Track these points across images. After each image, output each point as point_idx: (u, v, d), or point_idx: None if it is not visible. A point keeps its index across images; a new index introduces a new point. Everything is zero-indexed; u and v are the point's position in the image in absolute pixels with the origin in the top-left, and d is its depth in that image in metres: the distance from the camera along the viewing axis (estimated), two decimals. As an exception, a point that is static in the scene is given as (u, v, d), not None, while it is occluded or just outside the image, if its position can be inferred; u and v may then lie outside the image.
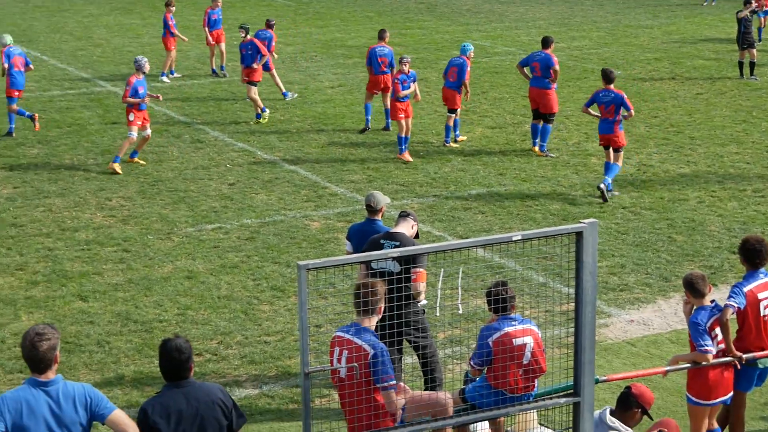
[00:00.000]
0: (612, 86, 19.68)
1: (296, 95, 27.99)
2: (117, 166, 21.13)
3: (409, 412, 9.12)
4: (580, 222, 8.07)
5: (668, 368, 10.68)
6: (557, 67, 22.57)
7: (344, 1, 48.24)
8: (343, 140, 23.90)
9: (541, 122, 22.67)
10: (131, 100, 21.10)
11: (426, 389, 11.58)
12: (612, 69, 20.28)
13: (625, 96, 19.67)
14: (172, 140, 23.69)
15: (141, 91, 21.27)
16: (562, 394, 8.79)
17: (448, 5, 46.82)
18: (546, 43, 23.00)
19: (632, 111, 19.83)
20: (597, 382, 9.18)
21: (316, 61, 33.60)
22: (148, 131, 21.76)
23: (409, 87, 22.35)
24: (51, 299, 15.14)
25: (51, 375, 7.60)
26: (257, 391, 12.61)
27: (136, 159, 21.81)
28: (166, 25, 30.18)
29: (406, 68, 22.28)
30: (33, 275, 15.99)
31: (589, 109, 20.07)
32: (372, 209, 12.57)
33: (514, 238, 7.85)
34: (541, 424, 11.05)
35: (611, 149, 19.78)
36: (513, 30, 39.99)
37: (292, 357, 13.43)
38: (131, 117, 21.25)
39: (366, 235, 12.24)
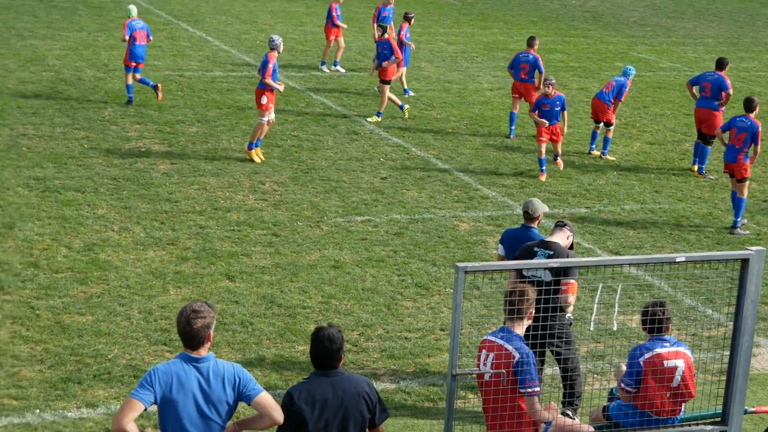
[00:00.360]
0: (752, 115, 18.98)
1: (411, 93, 27.90)
2: (254, 153, 21.06)
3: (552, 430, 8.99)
4: (747, 248, 7.85)
5: (819, 407, 10.33)
6: (731, 91, 22.03)
7: (509, 4, 48.01)
8: (498, 144, 23.76)
9: (702, 143, 22.19)
10: (271, 82, 20.88)
11: (564, 403, 11.44)
12: (755, 97, 19.49)
13: (760, 128, 18.86)
14: (329, 130, 23.86)
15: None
16: (708, 421, 8.57)
17: (615, 16, 46.23)
18: (721, 64, 22.44)
19: (759, 148, 19.03)
20: (746, 412, 8.90)
21: (477, 62, 33.47)
22: (272, 115, 21.46)
23: (551, 113, 20.99)
24: (199, 276, 15.38)
25: (203, 352, 7.68)
26: (394, 385, 12.60)
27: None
28: (329, 15, 30.32)
29: (550, 90, 20.97)
30: (184, 251, 16.26)
31: (723, 135, 19.40)
32: (529, 216, 12.45)
33: (677, 259, 7.68)
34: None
35: (735, 179, 19.09)
36: (680, 46, 39.25)
37: (431, 355, 13.39)
38: (263, 101, 20.89)
39: (520, 241, 12.13)
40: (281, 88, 21.27)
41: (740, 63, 35.91)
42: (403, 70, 27.54)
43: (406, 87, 27.79)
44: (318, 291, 15.12)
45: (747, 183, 19.04)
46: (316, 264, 16.08)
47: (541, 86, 21.72)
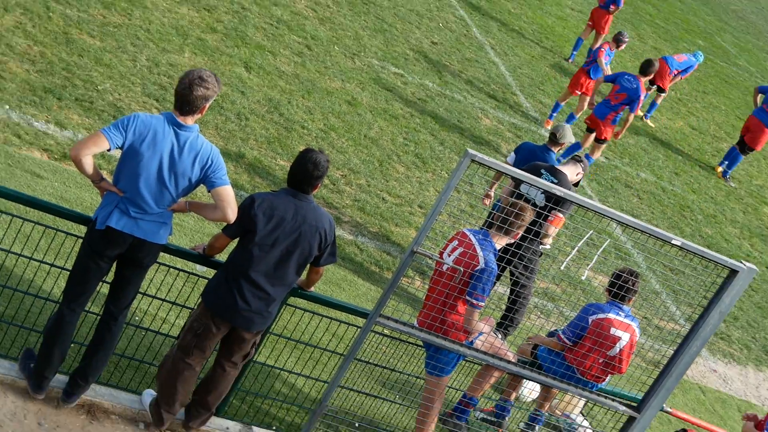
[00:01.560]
0: (643, 79, 17.33)
1: None
2: None
3: (479, 343, 8.84)
4: (741, 262, 7.63)
5: (731, 436, 10.27)
6: None
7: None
8: (555, 62, 23.23)
9: (739, 149, 21.72)
10: None
11: (500, 324, 11.30)
12: (656, 62, 17.84)
13: (644, 97, 17.24)
14: (404, -25, 23.28)
15: None
16: (624, 402, 8.44)
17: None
18: None
19: (634, 113, 17.23)
20: (662, 409, 8.78)
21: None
22: None
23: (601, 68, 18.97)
24: (219, 52, 15.06)
25: (190, 121, 7.38)
26: (352, 237, 12.43)
27: None
28: None
29: (615, 46, 19.43)
30: (216, 22, 15.91)
31: (600, 84, 17.83)
32: (554, 139, 12.25)
33: (673, 241, 7.42)
34: (582, 414, 10.73)
35: (593, 136, 17.55)
36: (763, 52, 38.41)
37: (399, 225, 13.21)
38: None
39: (534, 157, 11.94)
40: None
41: (811, 93, 35.17)
42: None
43: None
44: (323, 118, 14.85)
45: (603, 147, 17.74)
46: (333, 92, 15.78)
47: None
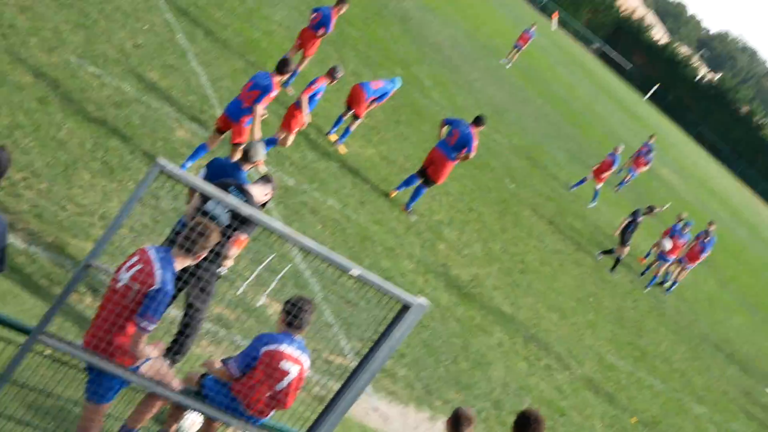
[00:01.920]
0: (277, 78, 17.24)
1: None
2: None
3: (144, 368, 8.74)
4: (416, 297, 7.86)
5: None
6: (473, 154, 22.04)
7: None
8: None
9: (422, 182, 22.42)
10: None
11: (169, 350, 11.12)
12: (289, 61, 17.49)
13: (273, 95, 17.04)
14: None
15: None
16: (286, 439, 8.58)
17: (421, 28, 46.16)
18: (477, 121, 22.15)
19: (261, 104, 16.78)
20: (323, 446, 8.97)
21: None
22: None
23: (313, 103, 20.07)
24: None
25: None
26: (24, 245, 11.97)
27: None
28: None
29: (330, 80, 20.38)
30: None
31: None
32: (246, 157, 12.29)
33: (351, 271, 7.58)
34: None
35: (222, 137, 17.18)
36: (458, 87, 39.80)
37: (77, 236, 12.85)
38: None
39: (224, 174, 11.91)
40: None
41: (493, 134, 36.63)
42: None
43: None
44: (10, 114, 14.33)
45: (240, 148, 17.23)
46: (24, 87, 15.27)
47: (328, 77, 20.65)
